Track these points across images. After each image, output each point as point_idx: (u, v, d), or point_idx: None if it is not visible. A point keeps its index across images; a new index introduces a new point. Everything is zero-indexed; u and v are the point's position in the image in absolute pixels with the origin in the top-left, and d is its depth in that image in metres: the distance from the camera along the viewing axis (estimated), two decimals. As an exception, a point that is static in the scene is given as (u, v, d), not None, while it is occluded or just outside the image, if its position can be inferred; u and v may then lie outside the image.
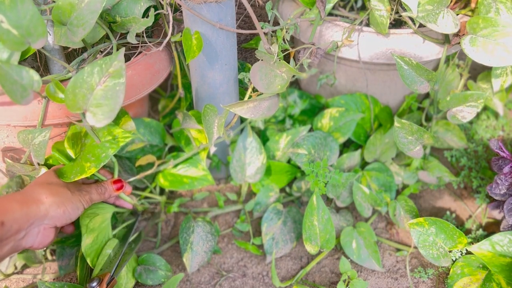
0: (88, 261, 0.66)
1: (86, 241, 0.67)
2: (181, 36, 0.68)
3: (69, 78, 0.63)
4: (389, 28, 0.79)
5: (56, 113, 0.63)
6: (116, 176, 0.72)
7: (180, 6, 0.66)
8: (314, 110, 0.95)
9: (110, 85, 0.55)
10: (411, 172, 0.88)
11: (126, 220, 0.80)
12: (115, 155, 0.80)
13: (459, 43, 0.72)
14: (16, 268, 0.75)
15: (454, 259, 0.71)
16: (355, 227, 0.80)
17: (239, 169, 0.83)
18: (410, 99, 0.91)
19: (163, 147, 0.84)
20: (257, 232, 0.83)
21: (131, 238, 0.75)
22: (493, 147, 0.77)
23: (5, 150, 0.70)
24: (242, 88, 0.82)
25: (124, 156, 0.80)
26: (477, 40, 0.69)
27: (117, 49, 0.67)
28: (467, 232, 0.82)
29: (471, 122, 1.02)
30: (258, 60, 0.68)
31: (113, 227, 0.77)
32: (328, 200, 0.87)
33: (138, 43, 0.70)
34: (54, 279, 0.75)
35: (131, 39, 0.65)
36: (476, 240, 0.78)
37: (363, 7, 0.86)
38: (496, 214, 0.83)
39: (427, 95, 0.94)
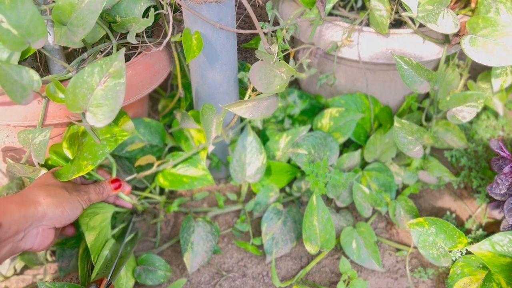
0: (92, 257, 0.66)
1: (89, 238, 0.66)
2: (181, 36, 0.68)
3: (69, 78, 0.63)
4: (389, 28, 0.79)
5: (56, 113, 0.63)
6: (114, 176, 0.72)
7: (180, 6, 0.66)
8: (314, 110, 0.95)
9: (110, 85, 0.55)
10: (411, 172, 0.88)
11: (126, 220, 0.80)
12: (114, 155, 0.80)
13: (459, 43, 0.72)
14: (16, 270, 0.75)
15: (454, 259, 0.71)
16: (355, 227, 0.80)
17: (239, 169, 0.83)
18: (410, 99, 0.91)
19: (163, 147, 0.84)
20: (257, 232, 0.83)
21: (127, 239, 0.75)
22: (493, 147, 0.77)
23: (5, 150, 0.70)
24: (242, 88, 0.82)
25: (124, 156, 0.80)
26: (477, 40, 0.69)
27: (117, 49, 0.67)
28: (467, 232, 0.82)
29: (471, 122, 1.03)
30: (258, 60, 0.69)
31: (113, 227, 0.77)
32: (328, 200, 0.87)
33: (138, 43, 0.70)
34: (54, 280, 0.75)
35: (131, 39, 0.65)
36: (476, 240, 0.78)
37: (363, 7, 0.86)
38: (496, 214, 0.83)
39: (427, 95, 0.94)
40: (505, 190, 0.73)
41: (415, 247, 0.79)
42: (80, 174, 0.60)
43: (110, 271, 0.66)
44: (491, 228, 0.82)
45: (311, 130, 0.90)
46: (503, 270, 0.64)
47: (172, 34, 0.72)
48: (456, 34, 0.73)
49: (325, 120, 0.89)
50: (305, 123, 0.92)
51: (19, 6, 0.51)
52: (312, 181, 0.80)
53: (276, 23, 0.85)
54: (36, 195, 0.57)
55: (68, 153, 0.66)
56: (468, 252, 0.70)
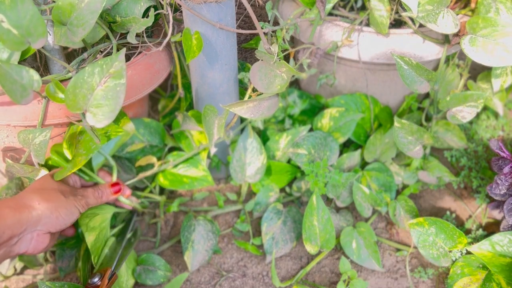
0: (92, 257, 0.66)
1: (90, 238, 0.66)
2: (181, 36, 0.68)
3: (69, 78, 0.63)
4: (389, 28, 0.79)
5: (56, 113, 0.63)
6: (115, 178, 0.71)
7: (180, 6, 0.66)
8: (314, 110, 0.95)
9: (110, 85, 0.55)
10: (411, 172, 0.88)
11: (126, 220, 0.80)
12: (115, 156, 0.80)
13: (459, 43, 0.72)
14: (16, 270, 0.75)
15: (454, 259, 0.71)
16: (355, 227, 0.80)
17: (239, 169, 0.83)
18: (410, 99, 0.91)
19: (163, 147, 0.84)
20: (257, 232, 0.83)
21: (129, 235, 0.75)
22: (493, 147, 0.77)
23: (5, 150, 0.70)
24: (242, 88, 0.82)
25: (124, 156, 0.80)
26: (477, 40, 0.69)
27: (117, 49, 0.67)
28: (467, 232, 0.82)
29: (471, 122, 1.03)
30: (258, 60, 0.69)
31: (113, 227, 0.77)
32: (328, 200, 0.87)
33: (138, 43, 0.70)
34: (54, 280, 0.75)
35: (131, 39, 0.65)
36: (476, 240, 0.78)
37: (363, 7, 0.86)
38: (496, 214, 0.83)
39: (427, 95, 0.94)
40: (505, 190, 0.73)
41: (415, 247, 0.79)
42: (75, 169, 0.60)
43: (114, 262, 0.67)
44: (491, 228, 0.82)
45: (311, 130, 0.90)
46: (503, 270, 0.64)
47: (172, 34, 0.72)
48: (456, 34, 0.73)
49: (325, 120, 0.89)
50: (305, 123, 0.92)
51: (19, 6, 0.51)
52: (312, 181, 0.80)
53: (276, 23, 0.85)
54: (31, 199, 0.57)
55: (67, 154, 0.66)
56: (468, 252, 0.70)
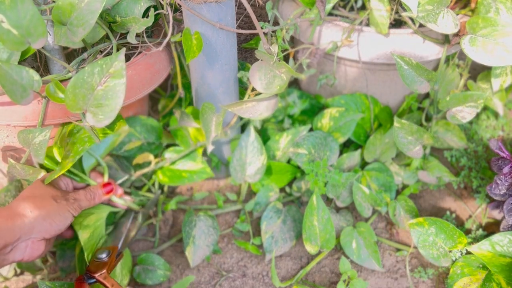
0: (86, 254, 0.66)
1: (83, 236, 0.66)
2: (181, 36, 0.68)
3: (69, 78, 0.63)
4: (389, 28, 0.79)
5: (56, 113, 0.63)
6: (106, 178, 0.71)
7: (180, 6, 0.66)
8: (314, 110, 0.95)
9: (110, 85, 0.55)
10: (411, 172, 0.88)
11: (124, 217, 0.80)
12: (113, 155, 0.80)
13: (459, 43, 0.72)
14: (16, 271, 0.75)
15: (454, 259, 0.71)
16: (355, 227, 0.80)
17: (239, 168, 0.83)
18: (410, 99, 0.91)
19: (160, 145, 0.84)
20: (257, 232, 0.83)
21: (130, 222, 0.75)
22: (493, 147, 0.77)
23: (5, 150, 0.70)
24: (242, 88, 0.82)
25: (122, 155, 0.80)
26: (477, 40, 0.69)
27: (117, 49, 0.67)
28: (467, 232, 0.82)
29: (471, 122, 1.03)
30: (258, 60, 0.69)
31: (112, 223, 0.77)
32: (328, 200, 0.87)
33: (138, 43, 0.70)
34: (54, 279, 0.75)
35: (131, 39, 0.65)
36: (476, 240, 0.78)
37: (363, 7, 0.86)
38: (496, 214, 0.83)
39: (427, 95, 0.94)
40: (505, 190, 0.73)
41: (415, 247, 0.79)
42: (62, 171, 0.60)
43: (119, 241, 0.67)
44: (491, 228, 0.82)
45: (311, 130, 0.90)
46: (503, 270, 0.64)
47: (172, 34, 0.72)
48: (456, 34, 0.73)
49: (325, 120, 0.89)
50: (305, 123, 0.92)
51: (19, 6, 0.51)
52: (312, 180, 0.80)
53: (276, 23, 0.85)
54: (23, 208, 0.57)
55: (57, 156, 0.66)
56: (468, 252, 0.70)
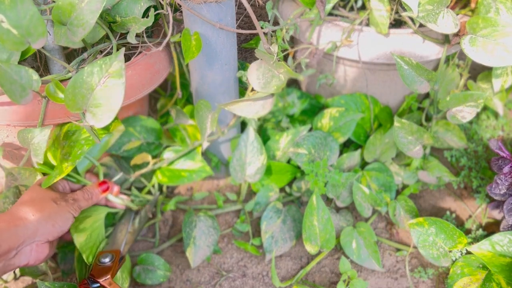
0: (84, 257, 0.66)
1: (79, 239, 0.66)
2: (180, 36, 0.68)
3: (69, 78, 0.63)
4: (389, 28, 0.79)
5: (56, 113, 0.63)
6: (101, 178, 0.72)
7: (180, 6, 0.66)
8: (314, 110, 0.95)
9: (110, 85, 0.55)
10: (411, 172, 0.88)
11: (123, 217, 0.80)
12: (113, 155, 0.80)
13: (459, 43, 0.72)
14: (15, 275, 0.75)
15: (454, 259, 0.71)
16: (355, 227, 0.80)
17: (239, 168, 0.83)
18: (410, 99, 0.91)
19: (159, 145, 0.84)
20: (257, 232, 0.83)
21: (130, 224, 0.75)
22: (493, 147, 0.77)
23: (5, 150, 0.70)
24: (242, 88, 0.82)
25: (122, 156, 0.80)
26: (477, 40, 0.69)
27: (117, 49, 0.67)
28: (467, 232, 0.82)
29: (471, 122, 1.02)
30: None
31: (112, 225, 0.77)
32: (328, 200, 0.87)
33: (138, 43, 0.70)
34: (55, 280, 0.75)
35: (131, 39, 0.65)
36: (476, 240, 0.78)
37: (363, 7, 0.86)
38: (496, 214, 0.83)
39: (427, 95, 0.94)
40: (505, 190, 0.73)
41: (415, 247, 0.78)
42: (61, 176, 0.60)
43: (121, 245, 0.67)
44: (491, 228, 0.82)
45: (311, 130, 0.90)
46: (503, 270, 0.64)
47: (172, 34, 0.72)
48: (456, 34, 0.73)
49: (325, 120, 0.89)
50: (305, 123, 0.92)
51: (19, 6, 0.51)
52: (312, 180, 0.80)
53: (276, 23, 0.85)
54: (24, 212, 0.57)
55: (51, 159, 0.66)
56: (468, 252, 0.70)
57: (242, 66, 0.85)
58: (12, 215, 0.56)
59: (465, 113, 0.76)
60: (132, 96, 0.70)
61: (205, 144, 0.77)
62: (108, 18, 0.68)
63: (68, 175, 0.69)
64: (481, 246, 0.67)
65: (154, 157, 0.83)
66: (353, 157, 0.87)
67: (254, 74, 0.68)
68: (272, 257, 0.75)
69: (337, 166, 0.86)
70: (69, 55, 0.77)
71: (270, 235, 0.79)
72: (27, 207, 0.58)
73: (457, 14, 0.77)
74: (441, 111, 0.83)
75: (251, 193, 0.90)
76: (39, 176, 0.66)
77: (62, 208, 0.61)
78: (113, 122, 0.68)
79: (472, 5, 0.76)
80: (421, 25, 0.77)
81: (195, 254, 0.75)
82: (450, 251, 0.71)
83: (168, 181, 0.82)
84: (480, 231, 0.80)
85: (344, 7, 0.86)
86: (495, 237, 0.67)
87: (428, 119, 0.92)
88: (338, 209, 0.85)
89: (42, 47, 0.64)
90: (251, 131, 0.82)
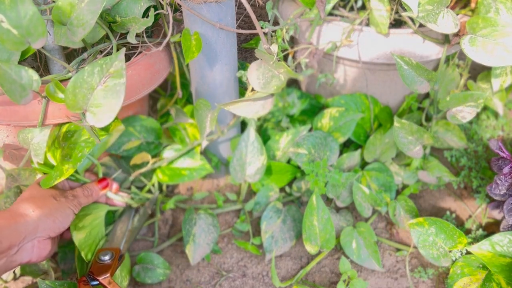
0: (83, 254, 0.66)
1: (78, 237, 0.66)
2: (180, 36, 0.68)
3: (69, 78, 0.63)
4: (389, 28, 0.79)
5: (56, 113, 0.63)
6: (101, 175, 0.72)
7: (180, 6, 0.66)
8: (314, 110, 0.95)
9: (110, 85, 0.55)
10: (411, 172, 0.88)
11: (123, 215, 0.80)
12: (111, 155, 0.80)
13: (459, 43, 0.72)
14: (15, 275, 0.75)
15: (454, 259, 0.71)
16: (355, 227, 0.80)
17: (239, 168, 0.83)
18: (410, 99, 0.91)
19: (159, 144, 0.84)
20: (257, 232, 0.83)
21: (130, 222, 0.75)
22: (493, 147, 0.77)
23: (5, 150, 0.70)
24: (242, 88, 0.82)
25: (122, 155, 0.80)
26: (477, 40, 0.69)
27: (117, 49, 0.67)
28: (467, 232, 0.82)
29: (471, 122, 1.02)
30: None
31: (111, 223, 0.77)
32: (328, 200, 0.87)
33: (138, 43, 0.70)
34: (55, 279, 0.75)
35: (131, 39, 0.65)
36: (476, 240, 0.78)
37: (363, 7, 0.86)
38: (496, 214, 0.83)
39: (427, 95, 0.94)
40: (505, 191, 0.73)
41: (415, 247, 0.79)
42: (62, 178, 0.60)
43: (121, 243, 0.67)
44: (491, 228, 0.82)
45: (311, 130, 0.90)
46: (503, 270, 0.64)
47: (172, 34, 0.72)
48: (456, 34, 0.73)
49: (325, 120, 0.89)
50: (305, 123, 0.92)
51: (19, 6, 0.51)
52: (312, 180, 0.80)
53: (276, 23, 0.85)
54: (24, 208, 0.57)
55: (51, 159, 0.66)
56: (468, 252, 0.70)
57: (242, 66, 0.85)
58: (12, 212, 0.56)
59: (465, 113, 0.76)
60: (132, 96, 0.70)
61: (204, 143, 0.77)
62: (108, 18, 0.68)
63: None
64: (481, 246, 0.67)
65: (153, 156, 0.83)
66: (353, 157, 0.87)
67: (254, 74, 0.68)
68: (272, 257, 0.75)
69: (337, 166, 0.86)
70: (69, 55, 0.77)
71: (270, 235, 0.79)
72: (27, 204, 0.58)
73: (457, 14, 0.77)
74: (441, 111, 0.83)
75: (251, 193, 0.90)
76: (38, 176, 0.66)
77: (62, 204, 0.61)
78: (113, 122, 0.69)
79: (472, 5, 0.76)
80: (421, 25, 0.77)
81: (195, 251, 0.75)
82: (450, 251, 0.71)
83: (169, 179, 0.82)
84: (480, 231, 0.80)
85: (344, 7, 0.86)
86: (495, 237, 0.67)
87: (428, 119, 0.92)
88: (338, 209, 0.85)
89: (42, 47, 0.64)
90: (251, 131, 0.82)
